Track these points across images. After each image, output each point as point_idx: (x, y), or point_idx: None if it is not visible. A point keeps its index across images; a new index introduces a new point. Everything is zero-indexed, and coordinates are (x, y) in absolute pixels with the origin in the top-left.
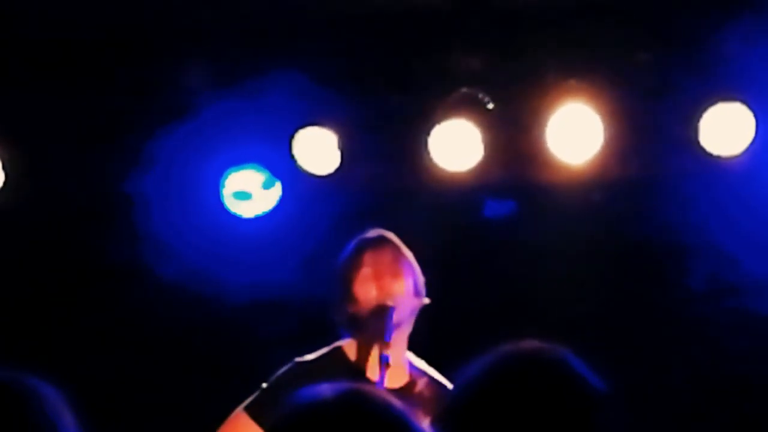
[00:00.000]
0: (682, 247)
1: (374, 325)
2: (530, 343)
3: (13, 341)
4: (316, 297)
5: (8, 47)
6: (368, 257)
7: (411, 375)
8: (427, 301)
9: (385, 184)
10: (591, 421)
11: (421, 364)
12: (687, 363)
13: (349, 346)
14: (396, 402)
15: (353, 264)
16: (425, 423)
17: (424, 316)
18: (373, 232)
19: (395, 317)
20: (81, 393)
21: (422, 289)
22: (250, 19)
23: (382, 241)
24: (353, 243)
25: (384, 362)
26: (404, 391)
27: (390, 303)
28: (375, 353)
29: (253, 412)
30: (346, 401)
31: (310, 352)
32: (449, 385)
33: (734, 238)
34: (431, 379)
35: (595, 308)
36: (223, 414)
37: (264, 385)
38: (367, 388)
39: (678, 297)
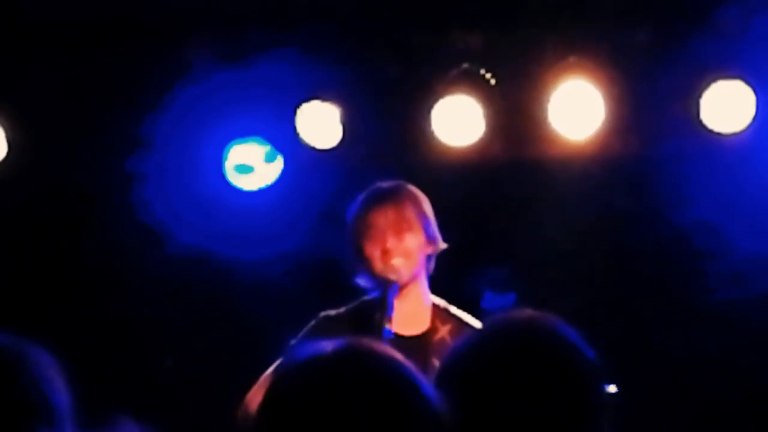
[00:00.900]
0: (682, 224)
1: (378, 298)
2: (523, 312)
3: (10, 313)
4: (317, 269)
5: (9, 25)
6: (372, 215)
7: (433, 321)
8: (443, 245)
9: (386, 158)
10: (583, 388)
11: (450, 308)
12: (685, 341)
13: (372, 299)
14: (399, 357)
15: (359, 223)
16: None
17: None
18: (380, 185)
19: (399, 288)
20: (80, 367)
21: (436, 236)
22: None
23: (387, 195)
24: (360, 198)
25: (386, 337)
26: (422, 338)
27: (393, 277)
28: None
29: None
30: (345, 356)
31: (305, 322)
32: (478, 326)
33: (734, 215)
34: (457, 323)
35: (595, 283)
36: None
37: (292, 341)
38: (369, 342)
39: (678, 274)
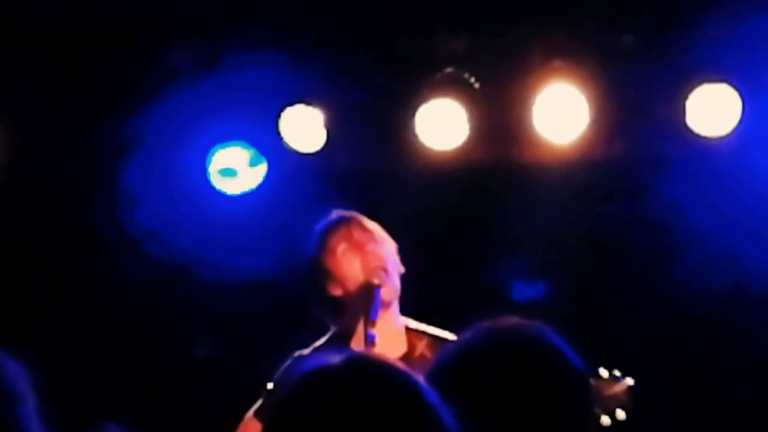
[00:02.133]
0: (667, 228)
1: (360, 304)
2: (510, 320)
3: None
4: (299, 274)
5: None
6: (339, 235)
7: (410, 341)
8: (401, 269)
9: (371, 162)
10: (569, 396)
11: (419, 326)
12: (667, 346)
13: (342, 332)
14: (404, 367)
15: (326, 247)
16: None
17: (406, 295)
18: (332, 214)
19: (383, 292)
20: (60, 373)
21: (397, 257)
22: None
23: (345, 219)
24: (318, 230)
25: (370, 341)
26: (405, 359)
27: (376, 281)
28: (361, 332)
29: (263, 416)
30: (353, 366)
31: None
32: (451, 338)
33: (720, 218)
34: (432, 338)
35: (581, 287)
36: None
37: (269, 385)
38: (373, 353)
39: (663, 278)
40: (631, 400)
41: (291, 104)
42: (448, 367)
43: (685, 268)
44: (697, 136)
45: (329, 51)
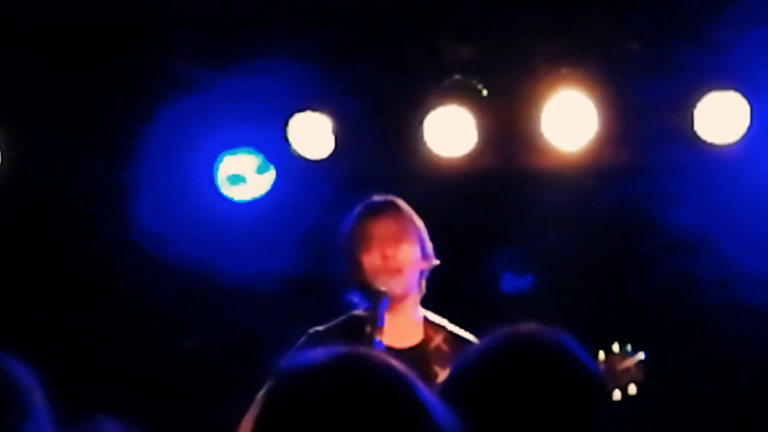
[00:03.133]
0: (675, 235)
1: (369, 310)
2: (528, 326)
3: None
4: (309, 280)
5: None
6: (371, 225)
7: (426, 332)
8: (436, 262)
9: (379, 169)
10: (587, 404)
11: (439, 319)
12: (676, 350)
13: (358, 317)
14: (397, 364)
15: (357, 233)
16: (445, 375)
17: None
18: (377, 198)
19: (390, 302)
20: (66, 377)
21: (430, 252)
22: (245, 4)
23: (385, 208)
24: (357, 210)
25: (378, 349)
26: (419, 348)
27: (383, 289)
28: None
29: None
30: (340, 364)
31: (297, 335)
32: (469, 337)
33: (728, 226)
34: (449, 333)
35: (588, 293)
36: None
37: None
38: (364, 350)
39: (671, 284)
40: (643, 374)
41: (299, 111)
42: (467, 372)
43: (694, 273)
44: (706, 143)
45: (337, 58)
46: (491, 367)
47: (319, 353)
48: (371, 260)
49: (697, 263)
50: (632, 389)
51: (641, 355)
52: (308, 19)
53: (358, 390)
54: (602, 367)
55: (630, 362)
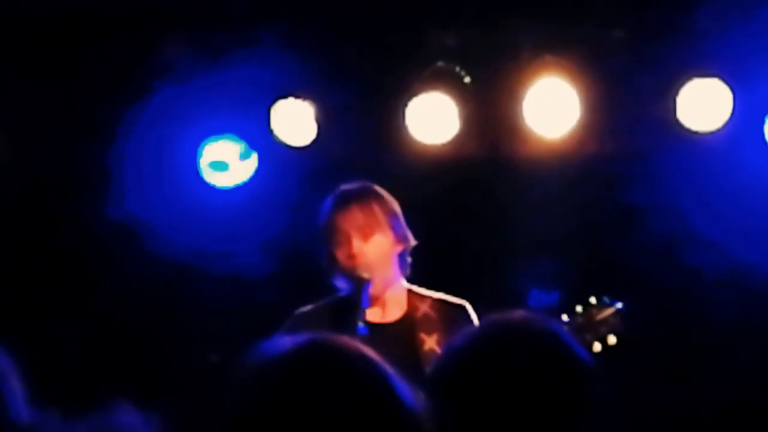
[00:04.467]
0: (658, 222)
1: (353, 289)
2: (518, 314)
3: None
4: (290, 266)
5: None
6: (339, 219)
7: (411, 303)
8: (413, 242)
9: (361, 156)
10: (577, 392)
11: (423, 290)
12: (664, 336)
13: (343, 299)
14: (367, 351)
15: (327, 228)
16: (432, 341)
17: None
18: (344, 187)
19: (372, 287)
20: (52, 362)
21: (405, 233)
22: None
23: (353, 198)
24: (327, 202)
25: (361, 334)
26: (405, 320)
27: (365, 275)
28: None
29: None
30: (306, 353)
31: (282, 322)
32: (456, 301)
33: (711, 213)
34: (435, 300)
35: (570, 281)
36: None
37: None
38: (333, 338)
39: (654, 272)
40: (622, 324)
41: (282, 98)
42: (456, 359)
43: (676, 261)
44: (688, 130)
45: (320, 45)
46: (480, 355)
47: (284, 342)
48: (342, 256)
49: (680, 250)
50: (612, 339)
51: (619, 305)
52: (291, 6)
53: (321, 378)
54: (580, 319)
55: (608, 312)
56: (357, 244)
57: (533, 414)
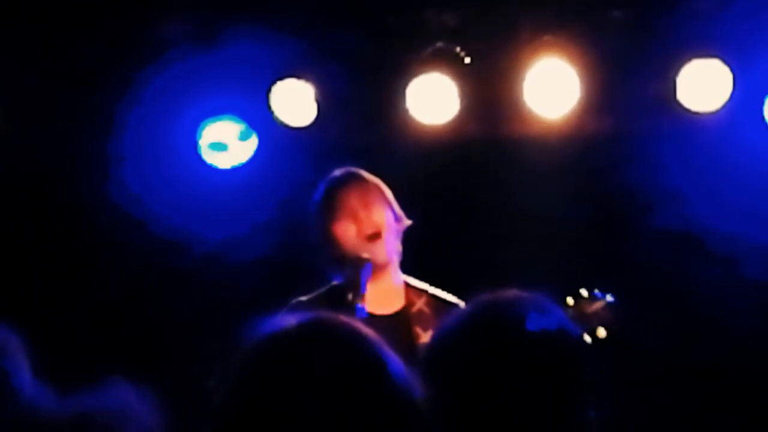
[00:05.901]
0: (657, 203)
1: (352, 273)
2: (509, 292)
3: None
4: (290, 248)
5: None
6: (339, 196)
7: (408, 297)
8: (408, 222)
9: (361, 136)
10: (569, 369)
11: (419, 284)
12: (658, 317)
13: (340, 287)
14: (367, 331)
15: (326, 206)
16: (427, 336)
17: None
18: (339, 171)
19: (374, 261)
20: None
21: (401, 214)
22: None
23: (349, 178)
24: (322, 185)
25: (360, 316)
26: (401, 314)
27: (365, 256)
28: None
29: None
30: (309, 331)
31: (284, 302)
32: (451, 299)
33: (710, 194)
34: (430, 296)
35: (570, 262)
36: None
37: None
38: (335, 317)
39: (653, 254)
40: (612, 317)
41: (281, 78)
42: (447, 340)
43: (676, 242)
44: (688, 111)
45: (320, 25)
46: (470, 335)
47: (288, 320)
48: (344, 229)
49: (679, 230)
50: (601, 332)
51: (609, 298)
52: None
53: (323, 355)
54: (570, 311)
55: (598, 305)
56: (362, 213)
57: (527, 392)
